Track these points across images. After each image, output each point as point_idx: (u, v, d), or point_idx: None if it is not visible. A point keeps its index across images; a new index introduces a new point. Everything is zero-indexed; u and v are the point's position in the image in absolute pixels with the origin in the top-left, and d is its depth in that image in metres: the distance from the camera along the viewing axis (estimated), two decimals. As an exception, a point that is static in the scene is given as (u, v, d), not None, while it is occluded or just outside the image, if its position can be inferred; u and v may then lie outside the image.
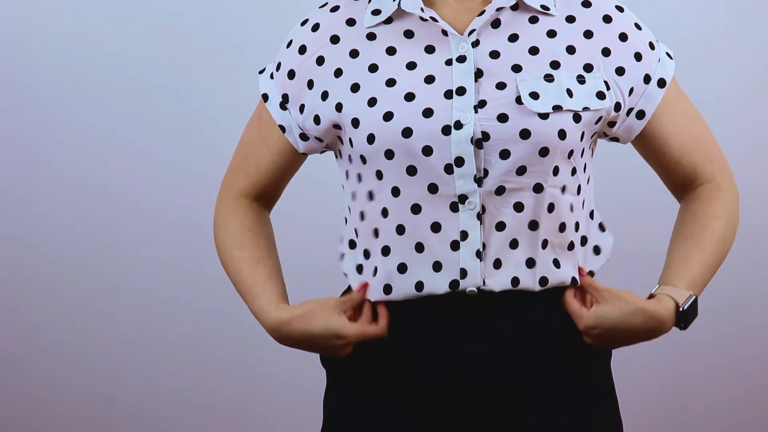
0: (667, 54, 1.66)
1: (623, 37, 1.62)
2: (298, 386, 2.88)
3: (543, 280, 1.58)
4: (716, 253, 1.64)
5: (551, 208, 1.57)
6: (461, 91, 1.55)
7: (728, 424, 2.95)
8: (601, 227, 1.68)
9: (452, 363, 1.57)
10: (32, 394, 2.96)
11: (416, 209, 1.56)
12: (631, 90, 1.62)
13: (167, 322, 2.94)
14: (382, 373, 1.61)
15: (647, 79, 1.63)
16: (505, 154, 1.53)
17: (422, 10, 1.60)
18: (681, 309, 1.58)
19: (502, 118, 1.53)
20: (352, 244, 1.65)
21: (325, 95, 1.62)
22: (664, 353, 2.93)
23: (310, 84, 1.63)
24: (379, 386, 1.61)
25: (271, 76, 1.68)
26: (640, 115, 1.63)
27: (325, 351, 1.60)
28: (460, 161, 1.53)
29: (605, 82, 1.59)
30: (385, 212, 1.58)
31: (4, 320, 2.94)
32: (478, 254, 1.55)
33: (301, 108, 1.65)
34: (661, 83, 1.64)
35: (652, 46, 1.64)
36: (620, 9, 1.65)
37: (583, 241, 1.63)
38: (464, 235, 1.55)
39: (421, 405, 1.59)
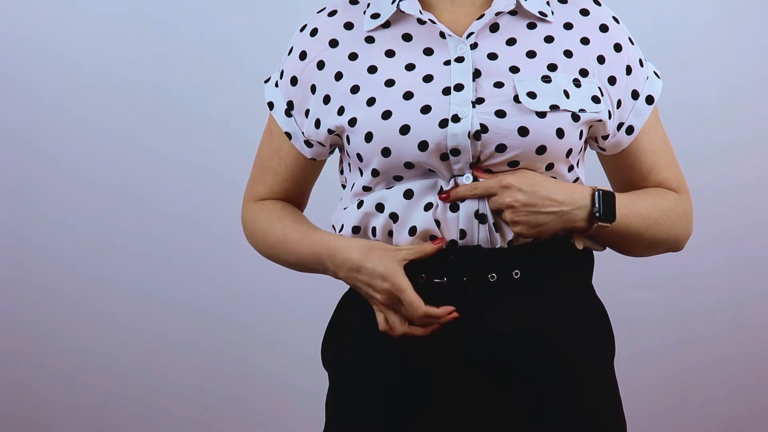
0: (655, 73, 1.69)
1: (618, 47, 1.64)
2: (301, 387, 2.88)
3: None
4: (650, 214, 1.63)
5: None
6: (459, 87, 1.57)
7: (728, 422, 2.95)
8: None
9: (453, 363, 1.58)
10: (32, 393, 2.96)
11: (408, 194, 1.58)
12: (619, 102, 1.64)
13: (169, 323, 2.93)
14: (384, 375, 1.61)
15: (635, 94, 1.65)
16: (501, 149, 1.55)
17: (420, 12, 1.61)
18: (597, 190, 1.58)
19: (500, 114, 1.55)
20: (355, 230, 1.64)
21: (327, 99, 1.63)
22: (664, 351, 2.93)
23: (313, 89, 1.65)
24: (381, 387, 1.61)
25: (276, 84, 1.70)
26: (630, 130, 1.66)
27: (365, 288, 1.59)
28: (455, 152, 1.55)
29: (599, 88, 1.61)
30: (380, 207, 1.60)
31: (5, 320, 2.94)
32: (476, 215, 1.57)
33: (307, 113, 1.66)
34: (650, 100, 1.66)
35: (641, 63, 1.67)
36: (617, 20, 1.67)
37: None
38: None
39: (423, 406, 1.59)
